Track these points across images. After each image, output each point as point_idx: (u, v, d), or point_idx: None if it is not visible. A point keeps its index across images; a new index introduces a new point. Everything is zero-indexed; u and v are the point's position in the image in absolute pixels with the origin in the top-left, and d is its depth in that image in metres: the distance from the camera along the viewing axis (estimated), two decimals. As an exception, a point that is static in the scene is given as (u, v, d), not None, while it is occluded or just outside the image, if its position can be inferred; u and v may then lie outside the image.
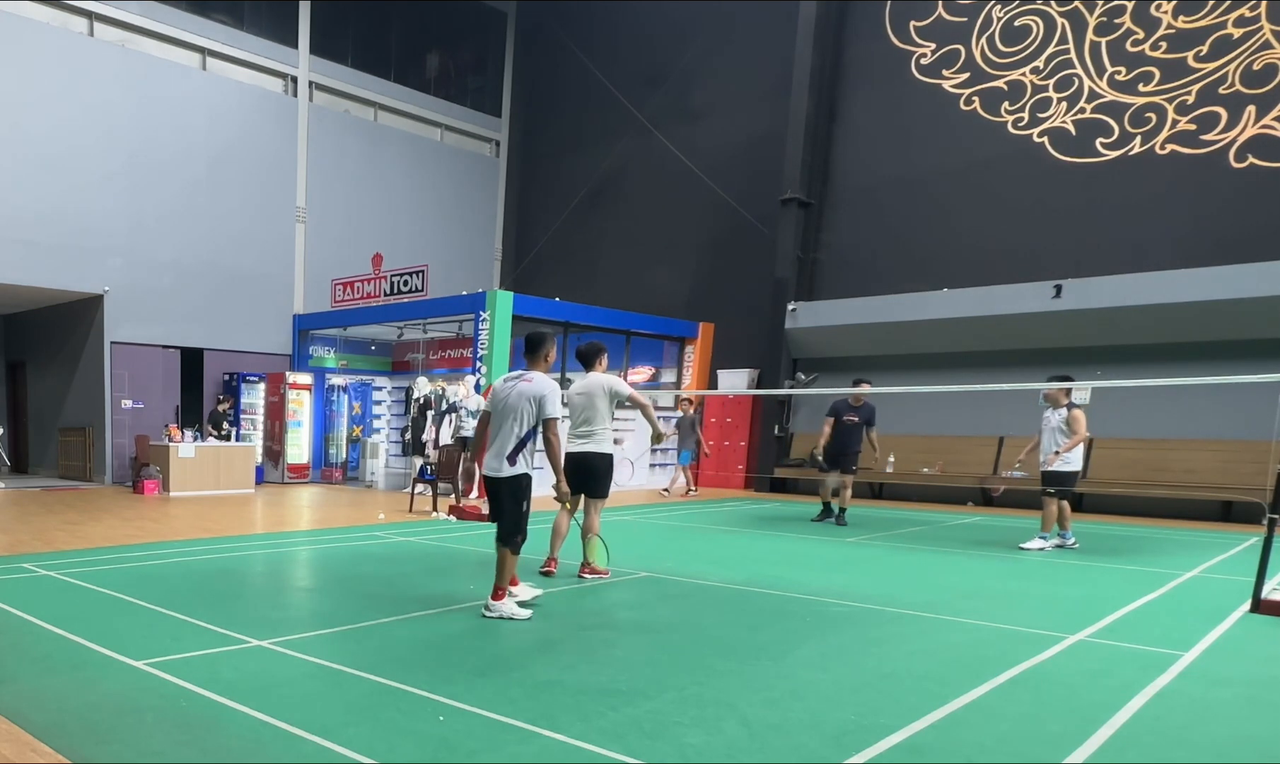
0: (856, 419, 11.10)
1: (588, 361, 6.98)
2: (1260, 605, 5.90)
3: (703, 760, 3.23)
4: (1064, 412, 8.94)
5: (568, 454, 7.04)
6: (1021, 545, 9.12)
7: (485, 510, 11.02)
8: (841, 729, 3.56)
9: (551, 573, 7.05)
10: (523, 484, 5.44)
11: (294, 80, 18.40)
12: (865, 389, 11.02)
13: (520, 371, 5.59)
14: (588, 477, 6.90)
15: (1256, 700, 4.09)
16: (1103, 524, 12.06)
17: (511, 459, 5.39)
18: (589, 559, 6.97)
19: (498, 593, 5.38)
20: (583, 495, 7.00)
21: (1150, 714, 3.82)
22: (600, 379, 6.86)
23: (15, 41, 14.56)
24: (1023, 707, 3.91)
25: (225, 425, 16.25)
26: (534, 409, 5.39)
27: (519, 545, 5.41)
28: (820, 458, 11.44)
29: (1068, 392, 9.01)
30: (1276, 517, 5.78)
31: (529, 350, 5.61)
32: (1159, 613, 6.04)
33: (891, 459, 15.43)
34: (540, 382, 5.45)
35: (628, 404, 6.99)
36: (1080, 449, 9.10)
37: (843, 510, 11.33)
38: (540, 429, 5.43)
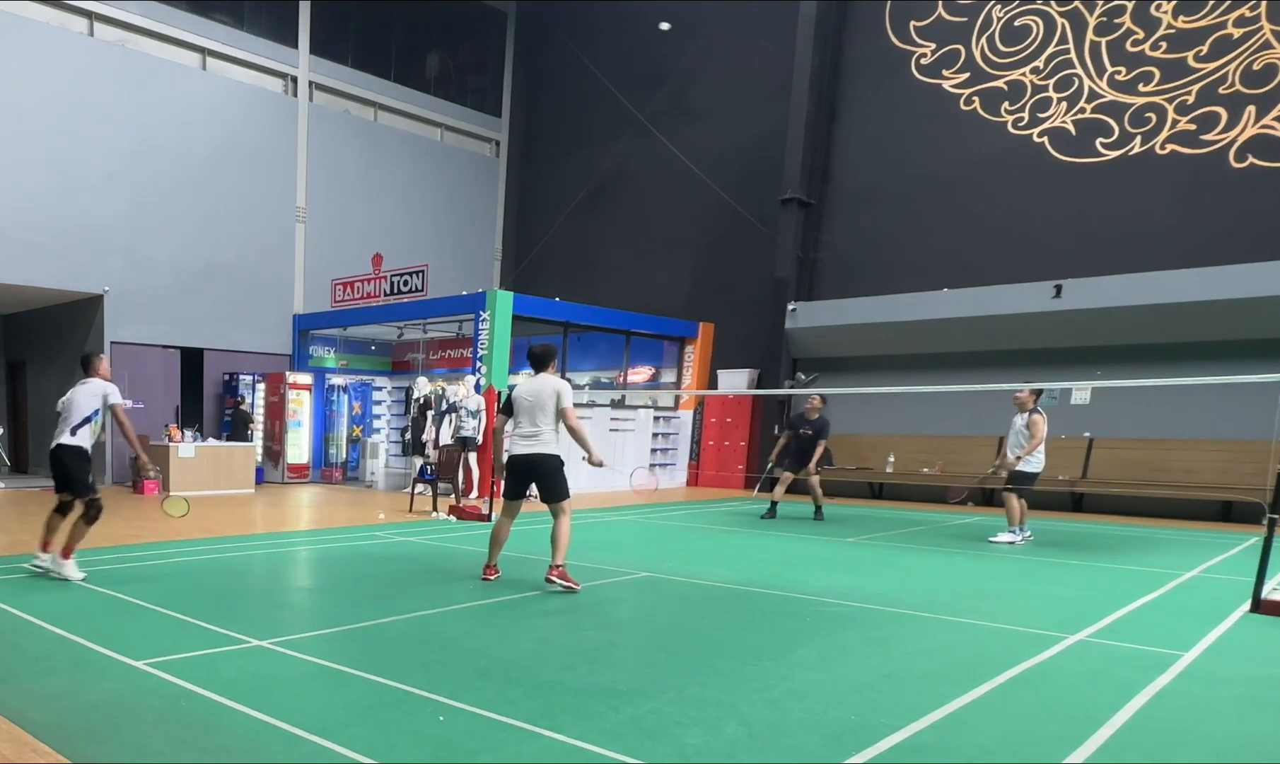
0: (811, 433, 11.83)
1: (540, 363, 6.69)
2: (1260, 605, 5.91)
3: (703, 760, 3.23)
4: (1027, 416, 9.38)
5: (512, 456, 6.66)
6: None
7: (485, 510, 11.12)
8: (841, 729, 3.56)
9: (489, 580, 6.77)
10: (80, 454, 7.12)
11: (294, 80, 18.39)
12: (816, 401, 11.88)
13: None
14: (535, 479, 6.61)
15: (1256, 700, 4.09)
16: (1103, 524, 12.07)
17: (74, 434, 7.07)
18: (556, 561, 6.45)
19: (67, 551, 6.61)
20: (548, 501, 6.60)
21: (1150, 714, 3.82)
22: (551, 383, 6.55)
23: (15, 41, 14.55)
24: (1023, 707, 3.91)
25: (251, 425, 16.28)
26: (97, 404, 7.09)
27: (93, 514, 6.89)
28: (772, 465, 12.57)
29: (1036, 396, 9.53)
30: (1276, 517, 5.78)
31: (82, 367, 7.29)
32: (1159, 613, 6.04)
33: (891, 459, 15.46)
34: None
35: (559, 421, 6.53)
36: (1042, 451, 9.56)
37: (819, 508, 12.03)
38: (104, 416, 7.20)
